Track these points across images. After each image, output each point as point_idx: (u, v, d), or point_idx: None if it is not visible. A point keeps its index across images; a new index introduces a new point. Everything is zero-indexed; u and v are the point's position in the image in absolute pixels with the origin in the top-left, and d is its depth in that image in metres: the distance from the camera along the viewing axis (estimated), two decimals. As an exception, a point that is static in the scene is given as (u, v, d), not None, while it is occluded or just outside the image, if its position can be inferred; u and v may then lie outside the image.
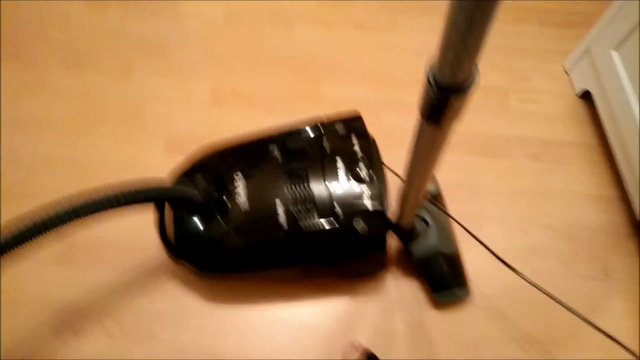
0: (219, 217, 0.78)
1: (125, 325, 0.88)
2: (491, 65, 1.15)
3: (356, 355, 0.82)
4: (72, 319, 0.88)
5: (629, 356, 0.86)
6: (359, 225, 0.76)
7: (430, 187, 0.97)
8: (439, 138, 0.47)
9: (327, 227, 0.76)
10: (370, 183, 0.77)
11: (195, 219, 0.79)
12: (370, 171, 0.78)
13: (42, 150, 1.03)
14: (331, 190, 0.77)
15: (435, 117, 0.41)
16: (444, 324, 0.89)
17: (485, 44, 0.35)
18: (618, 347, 0.87)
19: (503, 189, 1.02)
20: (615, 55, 0.95)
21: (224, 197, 0.79)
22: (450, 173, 1.01)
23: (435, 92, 0.39)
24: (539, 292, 0.89)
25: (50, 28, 1.18)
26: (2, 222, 0.63)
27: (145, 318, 0.88)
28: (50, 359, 0.85)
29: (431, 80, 0.39)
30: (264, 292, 0.91)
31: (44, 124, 1.06)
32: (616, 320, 0.90)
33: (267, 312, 0.90)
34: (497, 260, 0.93)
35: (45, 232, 0.61)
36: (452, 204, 0.97)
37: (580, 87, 1.11)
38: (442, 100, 0.39)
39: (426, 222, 0.89)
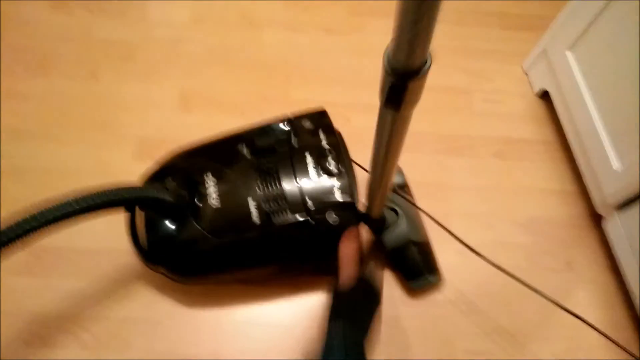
0: (191, 219, 0.78)
1: (98, 335, 0.86)
2: (455, 67, 1.19)
3: (352, 247, 0.75)
4: (44, 331, 0.86)
5: (597, 340, 0.89)
6: (331, 218, 0.77)
7: (396, 178, 0.99)
8: (400, 123, 0.49)
9: (300, 222, 0.77)
10: (339, 176, 0.79)
11: (167, 221, 0.79)
12: (339, 165, 0.80)
13: (6, 158, 1.01)
14: (302, 185, 0.78)
15: (395, 102, 0.43)
16: (418, 319, 0.91)
17: (434, 28, 0.37)
18: (586, 335, 0.90)
19: (469, 186, 1.05)
20: (570, 55, 0.98)
21: (196, 198, 0.79)
22: (419, 171, 1.03)
23: (392, 77, 0.41)
24: (508, 283, 0.91)
25: (13, 32, 1.16)
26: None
27: (119, 326, 0.87)
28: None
29: (387, 66, 0.41)
30: (238, 294, 0.91)
31: (7, 131, 1.04)
32: (582, 309, 0.91)
33: (242, 315, 0.89)
34: (466, 255, 0.95)
35: (10, 242, 0.60)
36: (422, 202, 0.99)
37: (538, 87, 1.15)
38: (400, 84, 0.41)
39: (396, 213, 0.91)
